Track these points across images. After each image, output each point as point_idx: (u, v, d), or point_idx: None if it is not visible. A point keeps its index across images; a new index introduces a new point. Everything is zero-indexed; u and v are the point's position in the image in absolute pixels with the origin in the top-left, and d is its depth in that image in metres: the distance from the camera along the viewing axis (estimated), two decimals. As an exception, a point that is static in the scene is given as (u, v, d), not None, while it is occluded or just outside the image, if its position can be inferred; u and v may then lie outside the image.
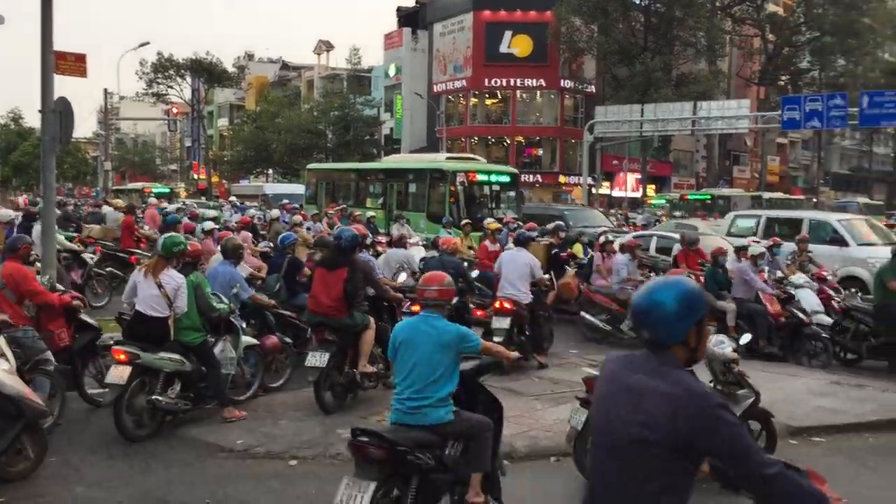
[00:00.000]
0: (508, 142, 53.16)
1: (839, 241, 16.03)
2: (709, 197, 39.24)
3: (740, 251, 12.05)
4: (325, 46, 68.15)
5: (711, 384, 6.40)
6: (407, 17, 60.49)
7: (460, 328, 5.11)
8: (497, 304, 10.00)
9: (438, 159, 24.03)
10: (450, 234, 16.12)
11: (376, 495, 4.44)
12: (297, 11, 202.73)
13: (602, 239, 13.74)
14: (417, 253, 13.73)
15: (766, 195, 43.66)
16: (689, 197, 41.66)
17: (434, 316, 5.05)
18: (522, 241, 10.80)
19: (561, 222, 15.70)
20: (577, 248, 15.15)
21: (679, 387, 2.45)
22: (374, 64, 64.45)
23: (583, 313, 12.55)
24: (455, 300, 6.47)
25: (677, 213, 35.61)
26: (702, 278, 12.34)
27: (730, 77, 55.36)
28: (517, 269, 10.19)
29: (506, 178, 22.73)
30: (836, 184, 71.81)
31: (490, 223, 14.86)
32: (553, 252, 13.80)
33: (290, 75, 76.01)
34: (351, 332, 8.13)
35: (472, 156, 26.49)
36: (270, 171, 63.87)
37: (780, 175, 64.81)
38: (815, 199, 49.01)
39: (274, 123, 58.18)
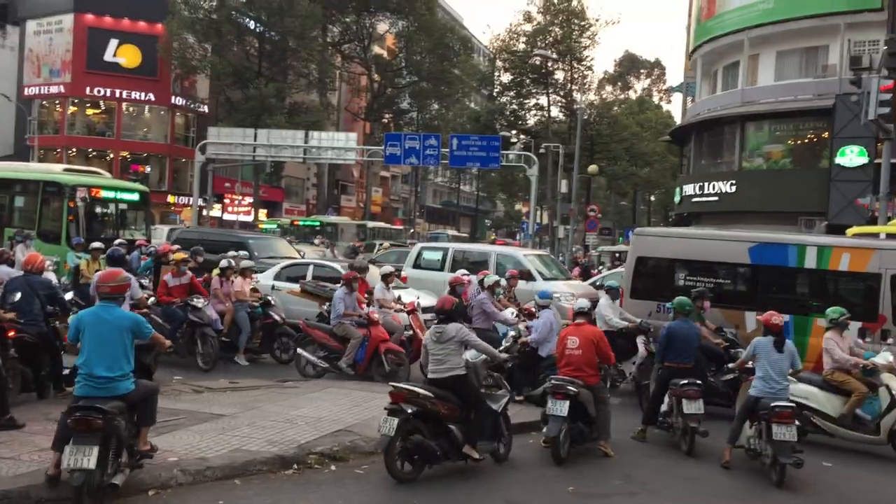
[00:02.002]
0: (112, 156, 49.75)
1: (526, 276, 16.48)
2: (318, 223, 40.73)
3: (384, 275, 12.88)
4: None
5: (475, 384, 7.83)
6: (-7, 10, 53.75)
7: (135, 316, 6.51)
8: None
9: (53, 170, 21.10)
10: (80, 257, 14.63)
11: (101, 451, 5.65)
12: None
13: (223, 263, 13.34)
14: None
15: (371, 224, 46.69)
16: (300, 223, 42.83)
17: (111, 306, 6.26)
18: (115, 260, 10.00)
19: (199, 247, 15.13)
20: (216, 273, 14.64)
21: None
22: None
23: (300, 350, 12.06)
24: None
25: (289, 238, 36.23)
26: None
27: (339, 110, 58.22)
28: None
29: (134, 196, 20.85)
30: (429, 216, 79.17)
31: (178, 254, 13.24)
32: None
33: None
34: None
35: (94, 169, 23.67)
36: None
37: (382, 206, 69.56)
38: (412, 230, 53.31)
39: None
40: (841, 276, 11.93)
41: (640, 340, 11.63)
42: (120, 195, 20.50)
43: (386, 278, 12.92)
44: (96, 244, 14.36)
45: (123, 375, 6.11)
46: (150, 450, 6.61)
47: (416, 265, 18.19)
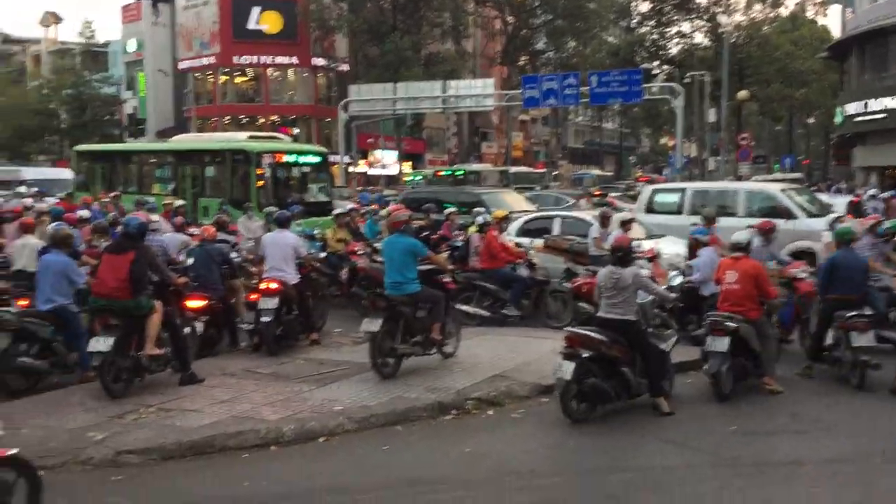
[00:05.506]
0: (262, 121, 51.91)
1: (783, 214, 14.41)
2: (462, 172, 40.87)
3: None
4: (53, 18, 62.20)
5: (644, 328, 7.94)
6: (146, -11, 56.81)
7: (414, 241, 9.02)
8: (264, 286, 9.85)
9: (238, 138, 21.58)
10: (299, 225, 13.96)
11: (383, 326, 8.41)
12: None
13: (480, 219, 12.57)
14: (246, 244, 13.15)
15: (513, 169, 46.35)
16: (442, 173, 43.16)
17: (400, 234, 8.92)
18: (282, 222, 10.59)
19: (431, 204, 15.39)
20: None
21: None
22: (111, 38, 59.97)
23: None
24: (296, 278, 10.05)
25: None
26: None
27: (475, 57, 57.81)
28: (280, 250, 10.12)
29: (316, 159, 20.97)
30: (572, 157, 77.73)
31: (498, 212, 12.82)
32: (423, 234, 13.03)
33: (12, 49, 68.61)
34: (137, 316, 8.00)
35: (274, 134, 24.40)
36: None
37: (523, 150, 68.89)
38: (555, 172, 52.61)
39: (-5, 103, 52.15)
40: None
41: None
42: (302, 159, 20.64)
43: (625, 225, 11.84)
44: (338, 210, 14.37)
45: (407, 280, 8.64)
46: (441, 340, 9.03)
47: (650, 209, 16.31)
